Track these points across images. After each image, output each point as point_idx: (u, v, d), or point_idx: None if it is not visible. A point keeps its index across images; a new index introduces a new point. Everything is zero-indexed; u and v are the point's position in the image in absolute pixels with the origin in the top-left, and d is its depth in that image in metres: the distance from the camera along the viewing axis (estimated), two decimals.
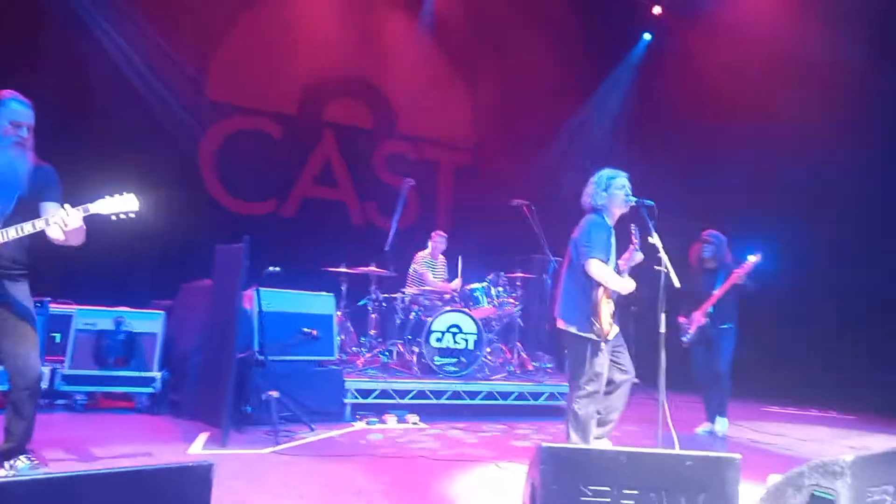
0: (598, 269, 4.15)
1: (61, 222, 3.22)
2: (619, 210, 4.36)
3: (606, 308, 4.21)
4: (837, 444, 5.82)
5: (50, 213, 3.32)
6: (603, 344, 4.18)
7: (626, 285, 4.24)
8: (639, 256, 4.24)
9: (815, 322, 8.40)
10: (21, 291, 3.48)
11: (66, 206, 3.27)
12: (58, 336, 5.80)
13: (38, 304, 5.58)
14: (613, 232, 4.40)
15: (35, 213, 3.38)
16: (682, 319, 6.11)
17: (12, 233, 3.27)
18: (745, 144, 9.11)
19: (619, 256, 4.37)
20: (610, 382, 4.32)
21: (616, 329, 4.36)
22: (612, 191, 4.33)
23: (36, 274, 5.89)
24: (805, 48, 8.36)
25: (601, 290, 4.19)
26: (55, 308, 5.84)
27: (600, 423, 4.34)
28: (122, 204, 3.35)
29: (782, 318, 8.28)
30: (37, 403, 3.48)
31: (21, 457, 3.49)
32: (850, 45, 7.96)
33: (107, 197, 3.33)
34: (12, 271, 3.45)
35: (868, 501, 3.25)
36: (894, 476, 3.45)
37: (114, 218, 3.34)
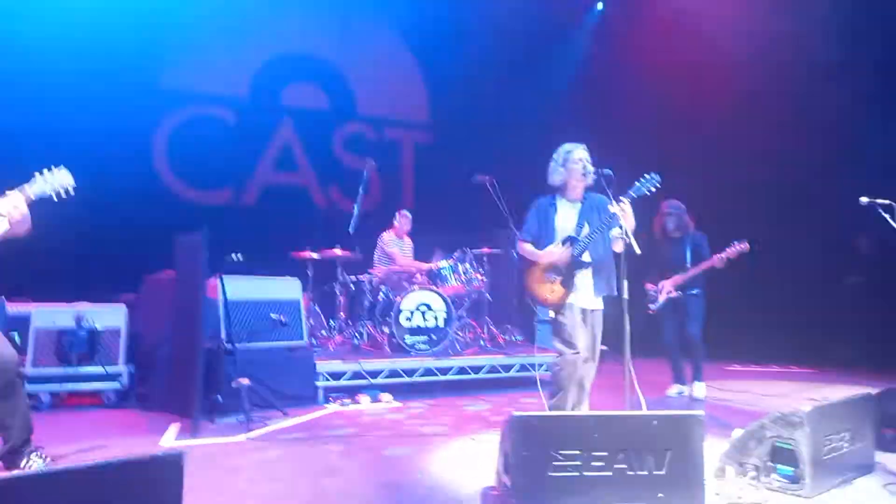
0: (520, 247, 4.52)
1: (14, 211, 3.12)
2: (578, 183, 4.36)
3: (535, 280, 4.40)
4: (798, 398, 6.02)
5: None
6: (552, 312, 4.32)
7: (552, 256, 4.31)
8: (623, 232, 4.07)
9: (773, 280, 8.63)
10: None
11: (7, 192, 3.17)
12: (16, 336, 5.64)
13: None
14: (568, 206, 4.42)
15: None
16: (649, 286, 6.24)
17: None
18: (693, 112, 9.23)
19: (597, 226, 4.35)
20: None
21: (581, 300, 4.32)
22: (570, 165, 4.34)
23: None
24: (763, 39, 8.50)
25: (529, 264, 4.45)
26: (12, 308, 5.69)
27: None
28: (58, 179, 3.25)
29: (741, 277, 8.47)
30: (23, 390, 3.45)
31: (33, 456, 3.48)
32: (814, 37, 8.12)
33: (37, 175, 3.22)
34: None
35: (826, 448, 3.40)
36: (850, 423, 3.61)
37: (55, 199, 3.24)
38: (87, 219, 7.76)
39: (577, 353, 4.20)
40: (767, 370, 8.08)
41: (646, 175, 4.10)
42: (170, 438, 4.56)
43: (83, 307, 5.68)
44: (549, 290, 4.32)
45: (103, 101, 8.10)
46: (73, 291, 6.10)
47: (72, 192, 3.28)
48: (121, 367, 5.65)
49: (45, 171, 3.22)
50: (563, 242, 4.33)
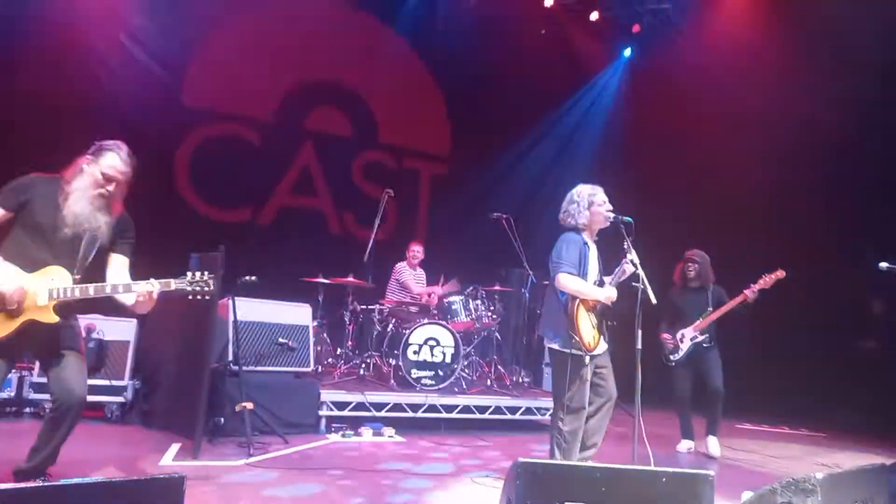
0: (567, 280, 4.18)
1: (145, 297, 3.20)
2: (599, 226, 4.38)
3: (586, 321, 4.21)
4: (808, 462, 5.90)
5: (122, 275, 3.38)
6: (587, 359, 4.17)
7: (602, 294, 4.23)
8: (629, 269, 4.17)
9: (785, 340, 8.54)
10: (74, 330, 3.45)
11: (151, 280, 3.23)
12: None
13: None
14: (593, 247, 4.43)
15: (104, 262, 3.39)
16: (666, 336, 6.09)
17: (92, 291, 3.20)
18: (723, 160, 9.26)
19: (606, 271, 4.39)
20: (590, 404, 4.26)
21: (603, 345, 4.31)
22: (595, 208, 4.32)
23: None
24: (777, 58, 8.58)
25: (577, 302, 4.20)
26: None
27: (582, 448, 4.28)
28: (201, 286, 3.31)
29: (753, 335, 8.41)
30: (72, 426, 3.41)
31: (39, 480, 3.41)
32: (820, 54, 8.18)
33: (188, 274, 3.31)
34: (72, 315, 3.43)
35: None
36: (863, 492, 3.51)
37: (190, 298, 3.31)
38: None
39: (585, 408, 4.16)
40: (778, 431, 7.94)
41: (623, 221, 4.17)
42: (169, 458, 4.52)
43: (94, 318, 5.69)
44: (592, 335, 4.21)
45: (129, 115, 8.22)
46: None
47: (207, 298, 3.35)
48: (126, 382, 5.63)
49: (198, 273, 3.31)
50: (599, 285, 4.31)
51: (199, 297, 3.32)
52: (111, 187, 3.32)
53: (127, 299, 3.31)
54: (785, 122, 8.69)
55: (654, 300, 4.10)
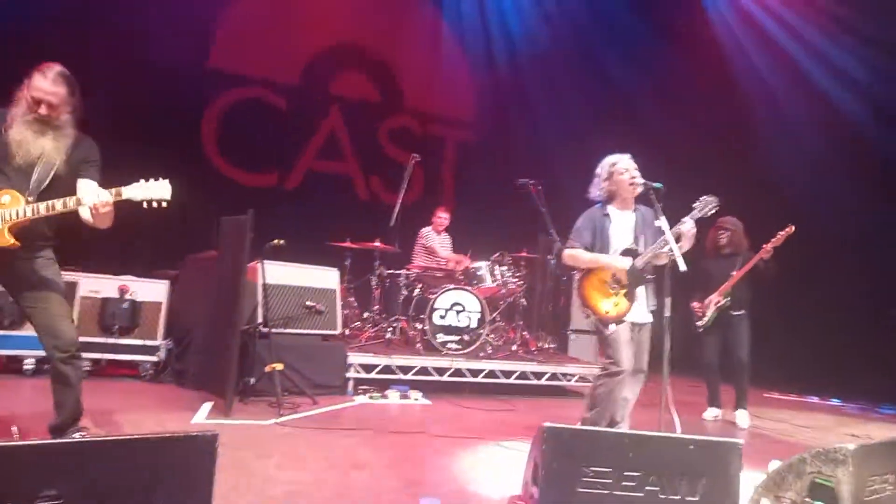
0: (565, 256, 4.30)
1: (94, 208, 3.17)
2: (627, 193, 4.28)
3: (598, 291, 4.18)
4: (839, 433, 5.85)
5: (83, 193, 3.27)
6: (612, 325, 4.14)
7: (601, 260, 4.18)
8: (669, 248, 3.94)
9: (817, 308, 8.40)
10: (46, 263, 3.44)
11: (100, 189, 3.21)
12: None
13: None
14: (620, 217, 4.32)
15: (71, 189, 3.33)
16: (695, 305, 6.04)
17: (42, 209, 3.20)
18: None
19: (649, 238, 4.28)
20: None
21: (634, 314, 4.21)
22: (616, 177, 4.26)
23: None
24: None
25: (583, 274, 4.23)
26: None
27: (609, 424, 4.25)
28: (155, 190, 3.26)
29: (784, 303, 8.28)
30: (80, 369, 3.47)
31: (76, 436, 3.47)
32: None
33: (141, 181, 3.25)
34: (38, 243, 3.40)
35: (868, 490, 3.27)
36: (895, 466, 3.47)
37: (145, 206, 3.27)
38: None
39: (622, 371, 4.12)
40: (807, 400, 7.86)
41: (705, 197, 4.02)
42: (202, 416, 4.64)
43: (128, 279, 5.80)
44: (613, 303, 4.16)
45: (155, 78, 8.24)
46: (119, 265, 6.23)
47: (164, 205, 3.29)
48: (159, 342, 5.76)
49: (151, 179, 3.26)
50: (624, 254, 4.24)
51: (154, 204, 3.27)
52: (43, 109, 3.25)
53: (85, 216, 3.28)
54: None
55: (683, 267, 4.01)
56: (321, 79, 9.97)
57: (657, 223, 4.05)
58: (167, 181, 3.29)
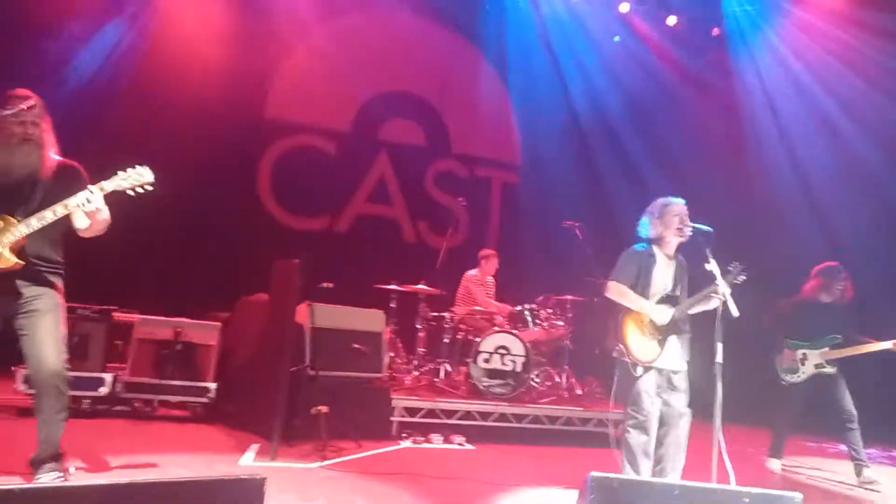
0: (612, 289, 4.22)
1: (83, 202, 3.20)
2: (674, 238, 4.26)
3: (637, 333, 4.14)
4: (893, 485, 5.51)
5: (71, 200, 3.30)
6: (640, 369, 4.08)
7: (647, 309, 4.14)
8: (720, 291, 3.88)
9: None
10: (45, 289, 3.41)
11: (90, 187, 3.26)
12: (120, 344, 6.01)
13: (102, 312, 5.83)
14: (664, 261, 4.30)
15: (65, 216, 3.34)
16: (788, 354, 5.65)
17: (34, 222, 3.23)
18: None
19: (691, 288, 4.26)
20: (663, 425, 4.16)
21: (666, 361, 4.16)
22: (666, 218, 4.24)
23: (101, 283, 6.15)
24: None
25: (625, 313, 4.19)
26: (119, 316, 6.06)
27: (659, 473, 4.15)
28: (136, 177, 3.28)
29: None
30: (60, 404, 3.39)
31: (45, 469, 3.42)
32: None
33: (119, 172, 3.29)
34: (39, 268, 3.40)
35: None
36: None
37: (131, 193, 3.28)
38: (192, 240, 8.27)
39: (647, 418, 4.04)
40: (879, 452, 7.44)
41: (736, 263, 3.95)
42: (249, 458, 4.69)
43: (182, 322, 5.97)
44: (647, 347, 4.14)
45: (214, 129, 8.62)
46: (175, 306, 6.43)
47: (149, 189, 3.29)
48: (210, 383, 5.88)
49: (129, 168, 3.29)
50: (663, 301, 4.20)
51: (139, 190, 3.26)
52: (19, 129, 3.31)
53: (81, 224, 3.33)
54: None
55: (735, 313, 3.93)
56: (370, 124, 10.24)
57: (707, 266, 4.00)
58: (146, 167, 3.30)
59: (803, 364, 5.62)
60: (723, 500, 3.01)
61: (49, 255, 3.46)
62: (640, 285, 4.21)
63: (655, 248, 4.31)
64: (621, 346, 4.16)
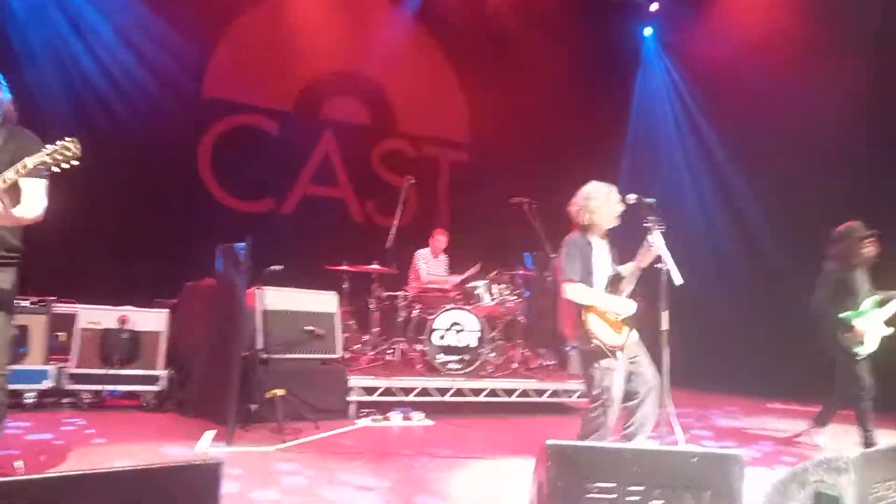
0: (573, 293, 4.08)
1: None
2: (608, 225, 4.26)
3: (600, 322, 4.08)
4: (841, 441, 5.84)
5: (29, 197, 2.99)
6: (610, 357, 4.04)
7: (621, 309, 4.11)
8: (655, 250, 4.02)
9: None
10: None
11: (4, 173, 2.89)
12: (62, 335, 5.81)
13: (42, 303, 5.62)
14: (599, 245, 4.29)
15: (16, 187, 2.97)
16: (857, 329, 5.25)
17: None
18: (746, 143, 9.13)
19: (620, 260, 4.33)
20: (634, 394, 4.14)
21: (631, 339, 4.17)
22: (614, 208, 4.20)
23: (38, 273, 5.89)
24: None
25: (583, 307, 4.08)
26: (59, 307, 5.85)
27: (630, 438, 4.16)
28: (61, 151, 2.91)
29: (787, 313, 8.27)
30: None
31: None
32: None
33: (46, 146, 2.93)
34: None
35: (872, 497, 3.29)
36: None
37: (56, 169, 2.91)
38: (132, 224, 8.00)
39: (615, 401, 4.05)
40: (810, 410, 7.84)
41: (650, 220, 4.06)
42: (205, 444, 4.63)
43: (127, 310, 5.81)
44: (616, 332, 4.08)
45: (151, 108, 8.32)
46: (117, 295, 6.24)
47: (75, 163, 2.94)
48: (160, 371, 5.75)
49: (58, 141, 2.93)
50: (611, 282, 4.23)
51: (66, 164, 2.92)
52: None
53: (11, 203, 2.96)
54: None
55: (678, 280, 4.05)
56: (313, 103, 10.05)
57: (649, 238, 4.09)
58: (74, 139, 2.95)
59: (870, 333, 5.31)
60: (672, 461, 3.13)
61: (5, 238, 3.10)
62: (585, 274, 4.15)
63: (589, 235, 4.26)
64: (593, 338, 4.01)
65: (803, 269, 5.96)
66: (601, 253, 4.28)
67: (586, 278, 4.17)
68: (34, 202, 3.07)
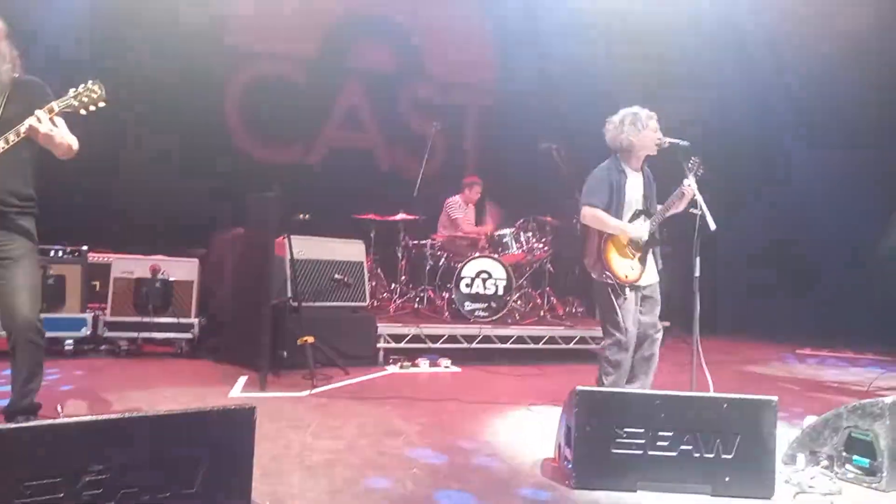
0: (588, 215, 4.08)
1: (34, 126, 2.97)
2: (645, 152, 4.13)
3: (618, 255, 4.08)
4: (874, 387, 5.76)
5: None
6: (626, 289, 4.06)
7: (626, 230, 4.08)
8: (688, 193, 3.95)
9: (848, 264, 8.22)
10: (16, 235, 3.17)
11: (36, 113, 3.00)
12: (97, 284, 5.94)
13: (77, 253, 5.73)
14: (634, 175, 4.19)
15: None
16: None
17: None
18: None
19: (652, 199, 4.25)
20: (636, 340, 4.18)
21: (645, 277, 4.16)
22: (648, 132, 4.06)
23: (70, 224, 5.99)
24: None
25: (605, 237, 4.07)
26: (93, 257, 5.96)
27: (627, 382, 4.22)
28: (87, 94, 3.03)
29: (815, 261, 8.12)
30: (35, 359, 3.21)
31: (19, 419, 3.13)
32: None
33: (70, 90, 3.05)
34: (9, 208, 3.14)
35: None
36: None
37: (84, 112, 3.04)
38: (163, 174, 8.04)
39: (630, 337, 4.09)
40: (842, 355, 7.75)
41: (691, 164, 3.94)
42: (238, 390, 4.74)
43: (159, 259, 5.90)
44: (630, 266, 4.09)
45: (176, 58, 8.24)
46: (147, 245, 6.33)
47: (102, 105, 3.04)
48: (193, 319, 5.87)
49: (81, 85, 3.04)
50: (636, 216, 4.18)
51: (93, 107, 3.04)
52: None
53: (48, 144, 3.08)
54: None
55: (712, 226, 3.95)
56: (339, 51, 9.87)
57: (686, 182, 3.98)
58: (97, 81, 3.06)
59: None
60: (703, 407, 3.12)
61: (19, 189, 3.18)
62: (614, 204, 4.10)
63: (623, 163, 4.16)
64: (606, 270, 4.05)
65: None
66: (634, 184, 4.18)
67: (617, 208, 4.11)
68: (71, 136, 3.20)
